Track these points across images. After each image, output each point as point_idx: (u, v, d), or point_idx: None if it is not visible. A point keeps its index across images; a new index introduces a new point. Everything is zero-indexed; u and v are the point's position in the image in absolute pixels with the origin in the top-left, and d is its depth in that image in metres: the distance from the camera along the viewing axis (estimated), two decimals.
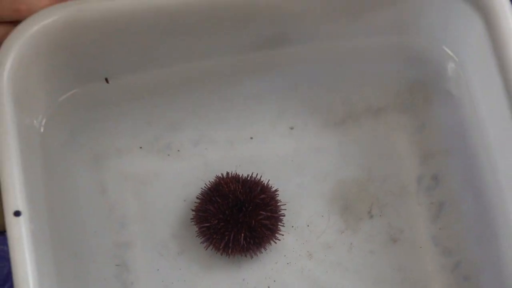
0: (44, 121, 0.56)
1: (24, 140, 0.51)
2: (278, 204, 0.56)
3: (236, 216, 0.53)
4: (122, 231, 0.57)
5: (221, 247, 0.54)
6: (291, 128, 0.60)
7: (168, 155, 0.59)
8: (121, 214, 0.58)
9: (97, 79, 0.58)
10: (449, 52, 0.58)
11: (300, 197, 0.58)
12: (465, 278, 0.55)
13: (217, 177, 0.56)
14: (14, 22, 0.54)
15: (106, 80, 0.58)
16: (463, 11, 0.53)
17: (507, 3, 0.51)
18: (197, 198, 0.56)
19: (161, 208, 0.58)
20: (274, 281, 0.56)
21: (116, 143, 0.58)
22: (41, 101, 0.56)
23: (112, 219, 0.58)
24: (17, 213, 0.49)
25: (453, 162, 0.58)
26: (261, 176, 0.56)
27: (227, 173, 0.57)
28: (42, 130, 0.56)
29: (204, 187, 0.56)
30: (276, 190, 0.56)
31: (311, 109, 0.61)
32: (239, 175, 0.56)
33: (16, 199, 0.48)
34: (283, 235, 0.56)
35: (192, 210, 0.56)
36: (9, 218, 0.49)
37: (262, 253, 0.56)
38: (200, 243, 0.56)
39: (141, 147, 0.59)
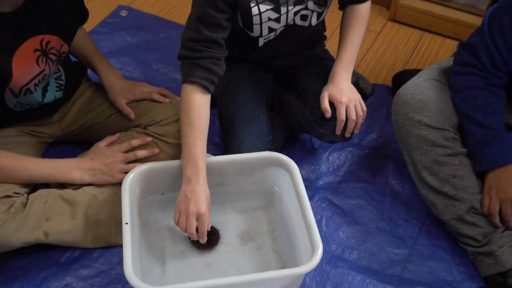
0: (140, 206, 1.57)
1: (132, 212, 1.50)
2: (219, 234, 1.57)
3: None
4: (164, 243, 1.55)
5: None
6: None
7: None
8: (164, 235, 1.56)
9: (158, 193, 1.61)
10: (277, 189, 1.65)
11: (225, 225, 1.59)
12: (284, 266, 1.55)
13: None
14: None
15: (162, 193, 1.62)
16: (281, 172, 1.61)
17: (297, 169, 1.58)
18: None
19: (179, 232, 1.56)
20: (214, 262, 1.53)
21: (166, 218, 1.58)
22: (139, 199, 1.56)
23: (161, 240, 1.55)
24: (126, 223, 1.44)
25: (281, 224, 1.59)
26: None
27: None
28: (139, 209, 1.56)
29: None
30: (219, 231, 1.58)
31: (233, 205, 1.65)
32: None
33: (126, 217, 1.45)
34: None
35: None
36: (124, 226, 1.44)
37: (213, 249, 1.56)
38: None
39: None
